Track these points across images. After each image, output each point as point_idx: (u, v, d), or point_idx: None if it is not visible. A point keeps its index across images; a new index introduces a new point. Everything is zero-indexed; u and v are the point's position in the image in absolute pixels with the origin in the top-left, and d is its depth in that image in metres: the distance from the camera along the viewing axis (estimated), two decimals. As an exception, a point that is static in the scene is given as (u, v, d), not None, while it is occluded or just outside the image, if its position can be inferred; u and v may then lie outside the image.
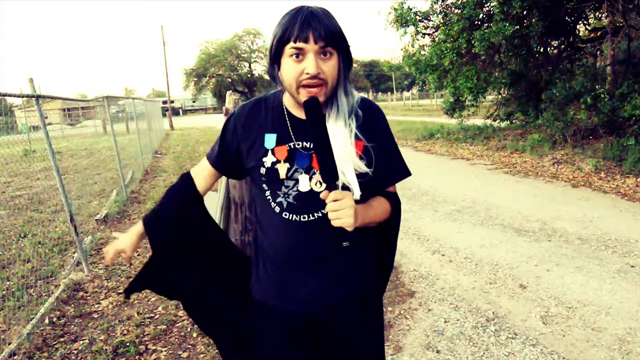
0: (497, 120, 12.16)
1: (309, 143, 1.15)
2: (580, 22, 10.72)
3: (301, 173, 1.14)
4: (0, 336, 2.85)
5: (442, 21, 10.76)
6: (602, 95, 8.23)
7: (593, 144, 7.92)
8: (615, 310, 2.87)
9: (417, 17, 10.87)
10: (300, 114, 1.15)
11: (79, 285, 3.66)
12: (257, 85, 59.17)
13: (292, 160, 1.14)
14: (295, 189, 1.14)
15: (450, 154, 10.04)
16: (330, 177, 1.02)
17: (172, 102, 37.53)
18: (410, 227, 4.81)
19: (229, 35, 75.07)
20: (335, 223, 1.01)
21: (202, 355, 2.60)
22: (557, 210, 5.11)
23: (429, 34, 11.45)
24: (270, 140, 1.16)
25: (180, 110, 56.20)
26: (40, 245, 4.64)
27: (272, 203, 1.17)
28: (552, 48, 11.47)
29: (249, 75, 58.28)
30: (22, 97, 3.90)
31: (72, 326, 3.02)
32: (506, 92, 12.19)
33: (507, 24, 8.58)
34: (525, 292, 3.19)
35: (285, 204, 1.15)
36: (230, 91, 4.33)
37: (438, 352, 2.53)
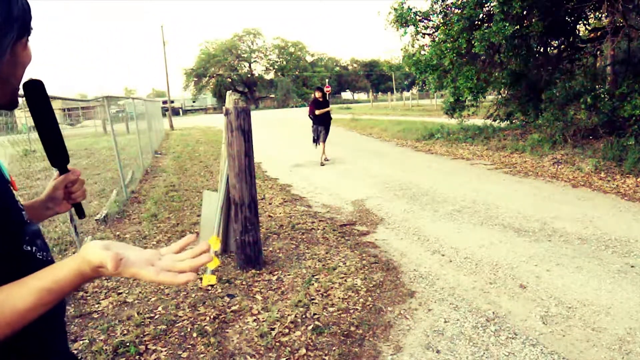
0: (497, 120, 12.16)
1: None
2: (580, 22, 10.73)
3: None
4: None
5: (442, 21, 10.76)
6: (602, 95, 8.24)
7: (593, 144, 7.92)
8: (615, 310, 2.87)
9: (417, 17, 10.88)
10: None
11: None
12: (257, 85, 59.27)
13: None
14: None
15: (450, 154, 10.04)
16: (64, 162, 0.95)
17: (172, 102, 37.54)
18: (410, 227, 4.81)
19: (229, 35, 75.16)
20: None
21: (202, 355, 2.60)
22: (557, 210, 5.11)
23: (429, 34, 11.45)
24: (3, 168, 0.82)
25: (180, 110, 56.21)
26: (40, 245, 4.63)
27: (39, 253, 0.81)
28: (552, 48, 11.48)
29: (249, 75, 58.35)
30: (22, 97, 3.90)
31: (72, 326, 3.01)
32: (506, 92, 12.19)
33: (507, 24, 8.58)
34: (525, 292, 3.19)
35: (39, 243, 0.83)
36: (230, 91, 4.34)
37: (438, 352, 2.53)
